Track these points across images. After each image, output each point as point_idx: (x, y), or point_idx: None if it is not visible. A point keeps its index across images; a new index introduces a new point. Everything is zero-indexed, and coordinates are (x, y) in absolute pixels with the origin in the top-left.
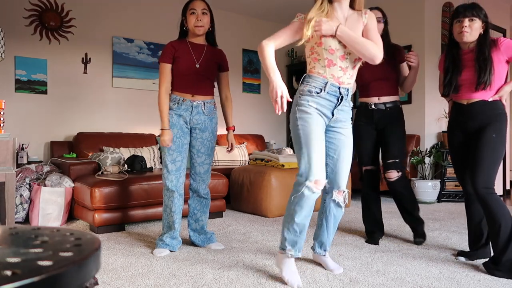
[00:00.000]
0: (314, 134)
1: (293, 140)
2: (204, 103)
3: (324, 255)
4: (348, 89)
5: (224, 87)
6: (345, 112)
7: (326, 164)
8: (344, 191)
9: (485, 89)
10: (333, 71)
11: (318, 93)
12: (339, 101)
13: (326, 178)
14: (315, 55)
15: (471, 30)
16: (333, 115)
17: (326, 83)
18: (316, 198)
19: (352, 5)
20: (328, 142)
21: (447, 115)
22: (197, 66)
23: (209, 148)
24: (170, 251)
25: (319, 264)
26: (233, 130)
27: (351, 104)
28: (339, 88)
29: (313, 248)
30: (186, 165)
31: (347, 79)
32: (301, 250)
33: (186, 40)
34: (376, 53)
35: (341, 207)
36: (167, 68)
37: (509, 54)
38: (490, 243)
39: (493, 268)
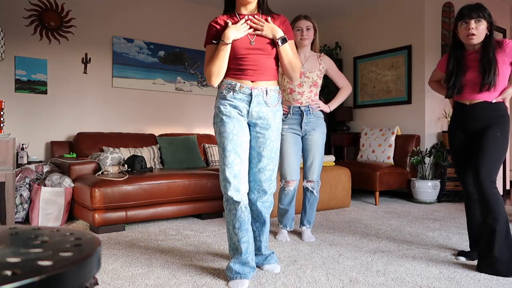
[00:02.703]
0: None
1: None
2: (266, 91)
3: (304, 225)
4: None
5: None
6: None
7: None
8: (313, 181)
9: (489, 90)
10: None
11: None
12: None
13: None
14: None
15: (478, 32)
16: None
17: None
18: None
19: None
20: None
21: (447, 115)
22: (252, 43)
23: (272, 150)
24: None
25: (319, 265)
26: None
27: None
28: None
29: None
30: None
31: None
32: (287, 225)
33: (235, 13)
34: None
35: (312, 192)
36: (210, 50)
37: None
38: (483, 240)
39: (490, 267)
